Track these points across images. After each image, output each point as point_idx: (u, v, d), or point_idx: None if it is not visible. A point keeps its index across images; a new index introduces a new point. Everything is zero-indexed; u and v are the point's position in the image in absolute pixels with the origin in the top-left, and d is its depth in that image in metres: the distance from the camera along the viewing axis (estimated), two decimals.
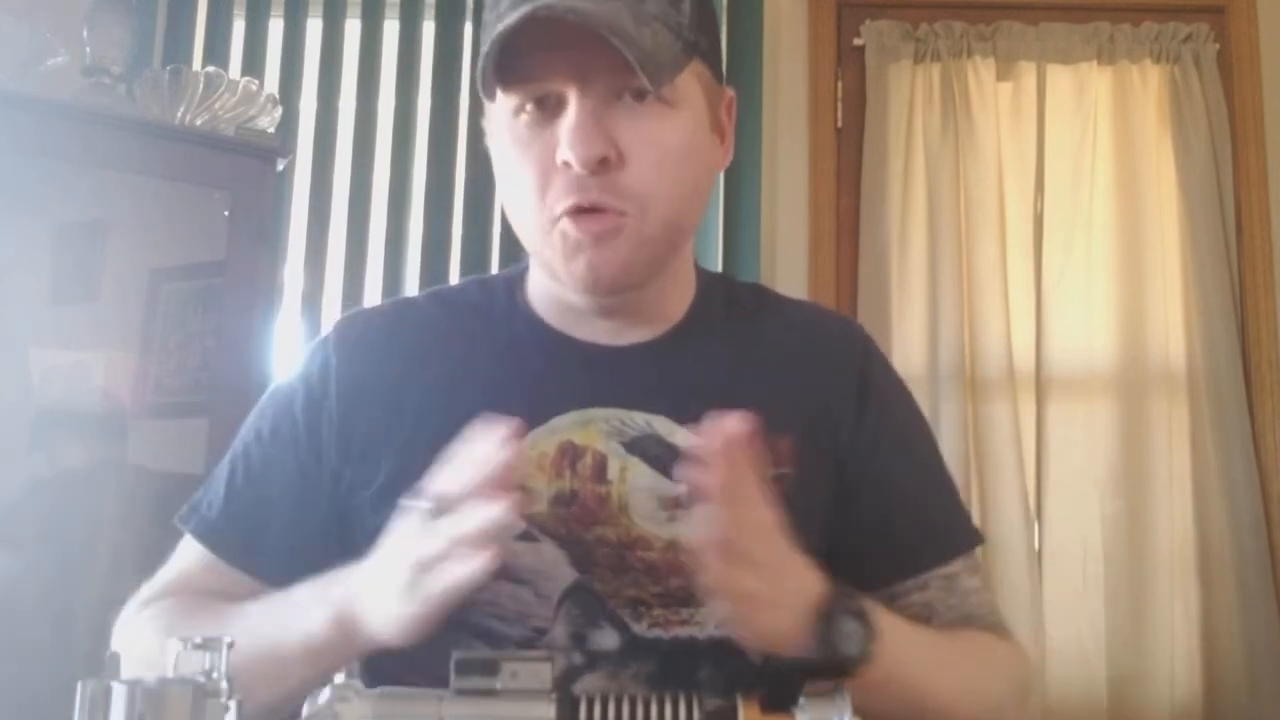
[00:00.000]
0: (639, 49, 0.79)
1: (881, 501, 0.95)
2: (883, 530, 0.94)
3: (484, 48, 0.82)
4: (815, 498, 0.92)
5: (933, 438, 1.03)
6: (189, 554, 0.94)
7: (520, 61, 0.82)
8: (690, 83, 0.87)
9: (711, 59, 0.90)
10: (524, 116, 0.85)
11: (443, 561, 0.70)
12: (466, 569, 0.69)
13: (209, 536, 0.92)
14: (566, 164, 0.82)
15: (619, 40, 0.78)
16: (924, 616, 0.92)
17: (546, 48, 0.81)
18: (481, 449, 0.71)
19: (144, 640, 0.85)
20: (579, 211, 0.83)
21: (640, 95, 0.83)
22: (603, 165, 0.82)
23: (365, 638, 0.77)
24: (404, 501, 0.75)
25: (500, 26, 0.80)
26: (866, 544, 0.94)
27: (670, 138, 0.85)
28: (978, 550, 1.00)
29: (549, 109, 0.84)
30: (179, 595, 0.91)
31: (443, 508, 0.71)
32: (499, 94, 0.85)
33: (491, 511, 0.68)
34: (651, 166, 0.84)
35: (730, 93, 0.95)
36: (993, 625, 0.95)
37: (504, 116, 0.87)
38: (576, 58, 0.82)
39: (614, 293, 0.88)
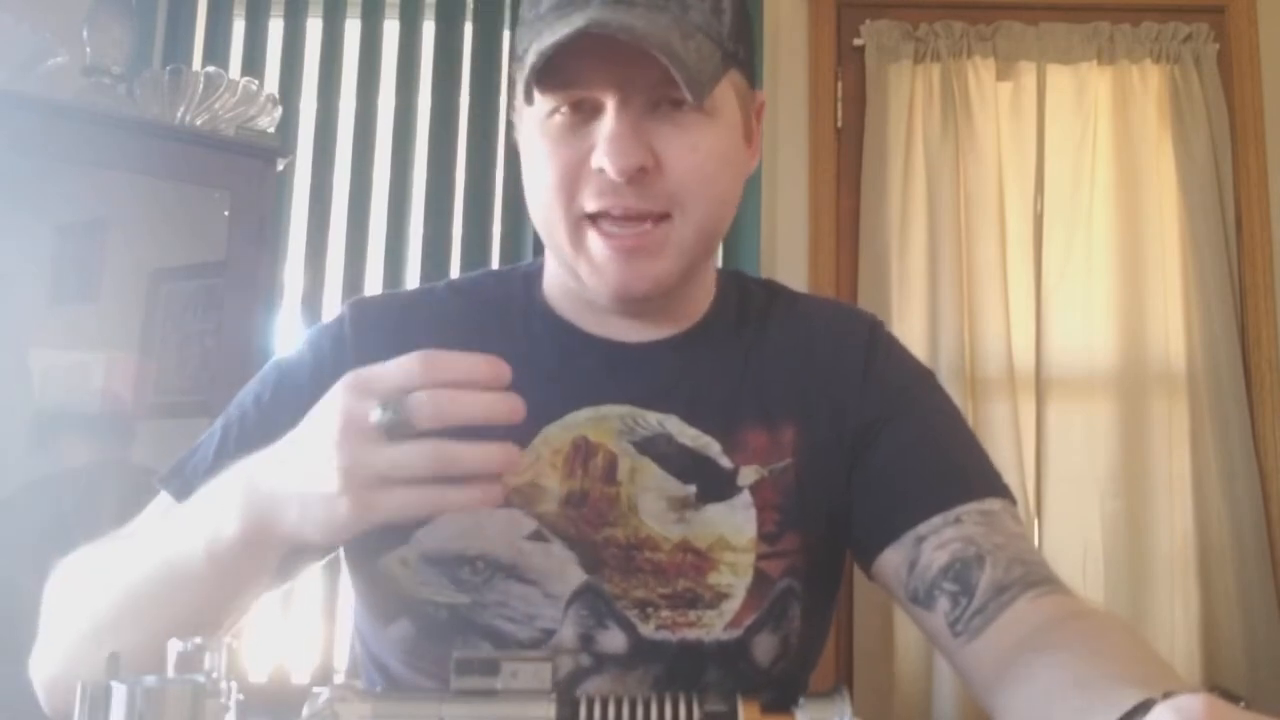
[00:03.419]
0: (686, 66, 0.79)
1: (903, 454, 0.91)
2: (908, 472, 0.90)
3: (530, 57, 0.81)
4: (821, 487, 0.91)
5: (956, 411, 0.98)
6: (156, 512, 0.89)
7: (562, 70, 0.81)
8: (727, 92, 0.86)
9: (747, 66, 0.90)
10: (558, 118, 0.84)
11: (413, 482, 0.64)
12: (458, 499, 0.65)
13: (190, 497, 0.86)
14: (602, 170, 0.82)
15: (669, 60, 0.78)
16: (968, 557, 0.83)
17: (588, 56, 0.81)
18: (465, 368, 0.65)
19: (72, 577, 0.83)
20: (609, 220, 0.83)
21: (678, 104, 0.83)
22: (640, 174, 0.82)
23: (281, 540, 0.71)
24: (345, 387, 0.66)
25: (551, 39, 0.79)
26: (890, 489, 0.90)
27: (708, 146, 0.85)
28: (1019, 507, 0.95)
29: (584, 112, 0.83)
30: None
31: (410, 414, 0.63)
32: (535, 96, 0.84)
33: (491, 453, 0.65)
34: (689, 172, 0.84)
35: (762, 96, 0.94)
36: (1052, 580, 0.83)
37: (537, 117, 0.86)
38: (618, 68, 0.81)
39: (645, 302, 0.88)
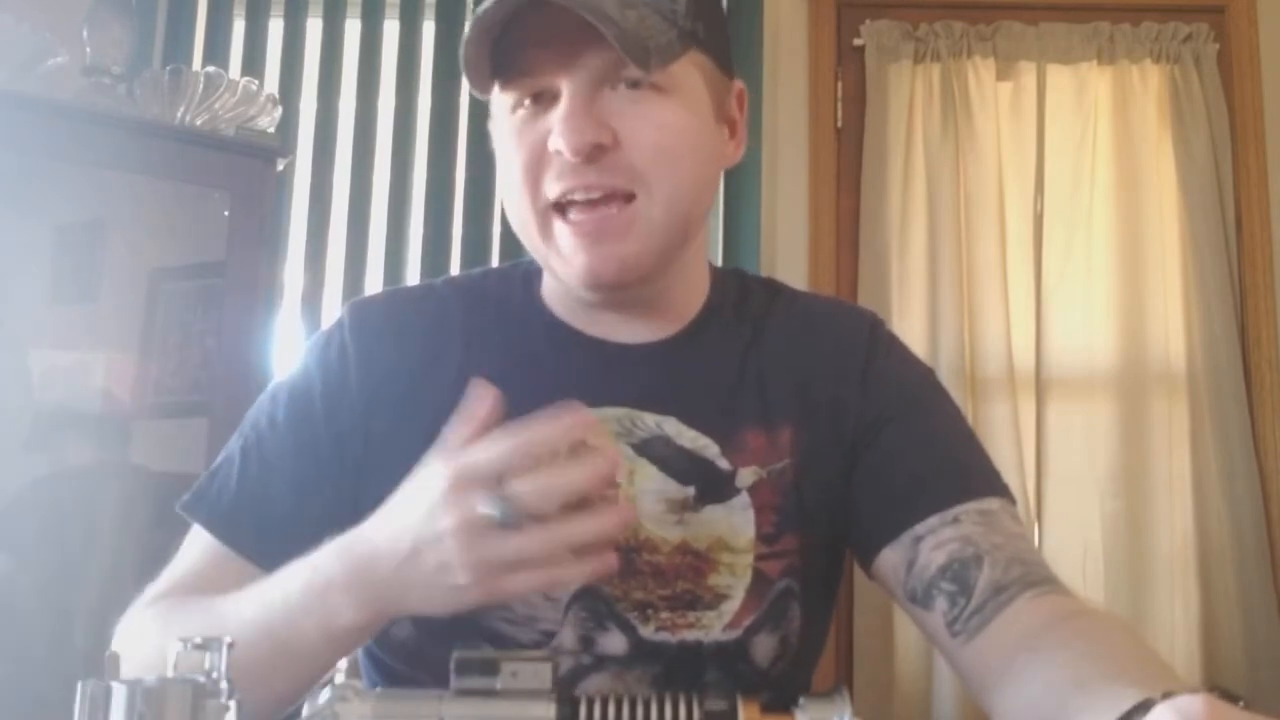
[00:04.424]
0: (619, 29, 0.79)
1: (902, 453, 0.91)
2: (907, 472, 0.89)
3: (464, 37, 0.82)
4: (820, 487, 0.91)
5: (956, 410, 0.97)
6: (196, 546, 0.90)
7: (513, 56, 0.82)
8: (688, 71, 0.86)
9: (714, 49, 0.89)
10: (521, 111, 0.85)
11: (535, 564, 0.66)
12: (578, 573, 0.68)
13: (220, 526, 0.89)
14: (559, 152, 0.82)
15: (597, 20, 0.78)
16: (966, 557, 0.83)
17: (538, 43, 0.82)
18: (556, 435, 0.67)
19: (144, 641, 0.83)
20: (575, 208, 0.83)
21: (636, 83, 0.83)
22: (598, 151, 0.82)
23: (399, 616, 0.76)
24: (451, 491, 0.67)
25: (479, 11, 0.80)
26: (889, 489, 0.89)
27: (669, 122, 0.84)
28: (1019, 507, 0.95)
29: (545, 103, 0.84)
30: (180, 593, 0.88)
31: (523, 505, 0.66)
32: (497, 91, 0.85)
33: (606, 522, 0.67)
34: (649, 146, 0.83)
35: (740, 84, 0.93)
36: (1050, 580, 0.83)
37: (503, 113, 0.87)
38: (567, 51, 0.82)
39: (618, 288, 0.87)
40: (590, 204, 0.83)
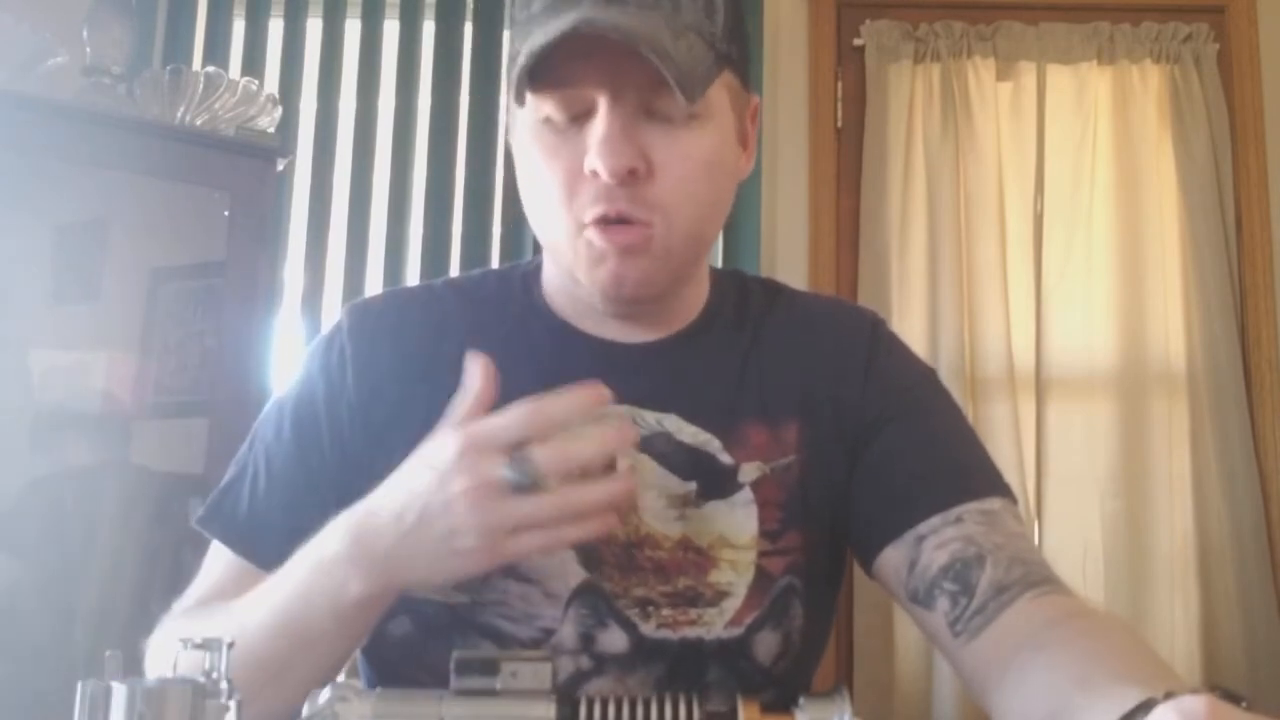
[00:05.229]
0: (676, 66, 0.79)
1: (903, 452, 0.91)
2: (909, 471, 0.90)
3: (521, 57, 0.81)
4: (824, 484, 0.91)
5: (957, 409, 0.98)
6: (219, 562, 0.91)
7: (553, 70, 0.81)
8: (720, 94, 0.86)
9: (740, 68, 0.89)
10: (551, 124, 0.84)
11: (541, 528, 0.70)
12: (581, 533, 0.71)
13: (237, 542, 0.90)
14: (595, 173, 0.82)
15: (658, 58, 0.78)
16: (968, 557, 0.83)
17: (580, 57, 0.81)
18: (572, 405, 0.71)
19: (167, 655, 0.84)
20: (606, 222, 0.83)
21: (670, 106, 0.83)
22: (631, 176, 0.82)
23: (404, 589, 0.77)
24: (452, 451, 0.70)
25: (542, 39, 0.79)
26: (891, 488, 0.90)
27: (699, 151, 0.85)
28: (1020, 507, 0.94)
29: (578, 116, 0.83)
30: (204, 607, 0.88)
31: (539, 469, 0.69)
32: (528, 98, 0.84)
33: (613, 488, 0.71)
34: (679, 180, 0.84)
35: (756, 99, 0.94)
36: (1052, 581, 0.83)
37: (531, 121, 0.86)
38: (610, 68, 0.81)
39: (635, 303, 0.88)
40: (620, 219, 0.84)
